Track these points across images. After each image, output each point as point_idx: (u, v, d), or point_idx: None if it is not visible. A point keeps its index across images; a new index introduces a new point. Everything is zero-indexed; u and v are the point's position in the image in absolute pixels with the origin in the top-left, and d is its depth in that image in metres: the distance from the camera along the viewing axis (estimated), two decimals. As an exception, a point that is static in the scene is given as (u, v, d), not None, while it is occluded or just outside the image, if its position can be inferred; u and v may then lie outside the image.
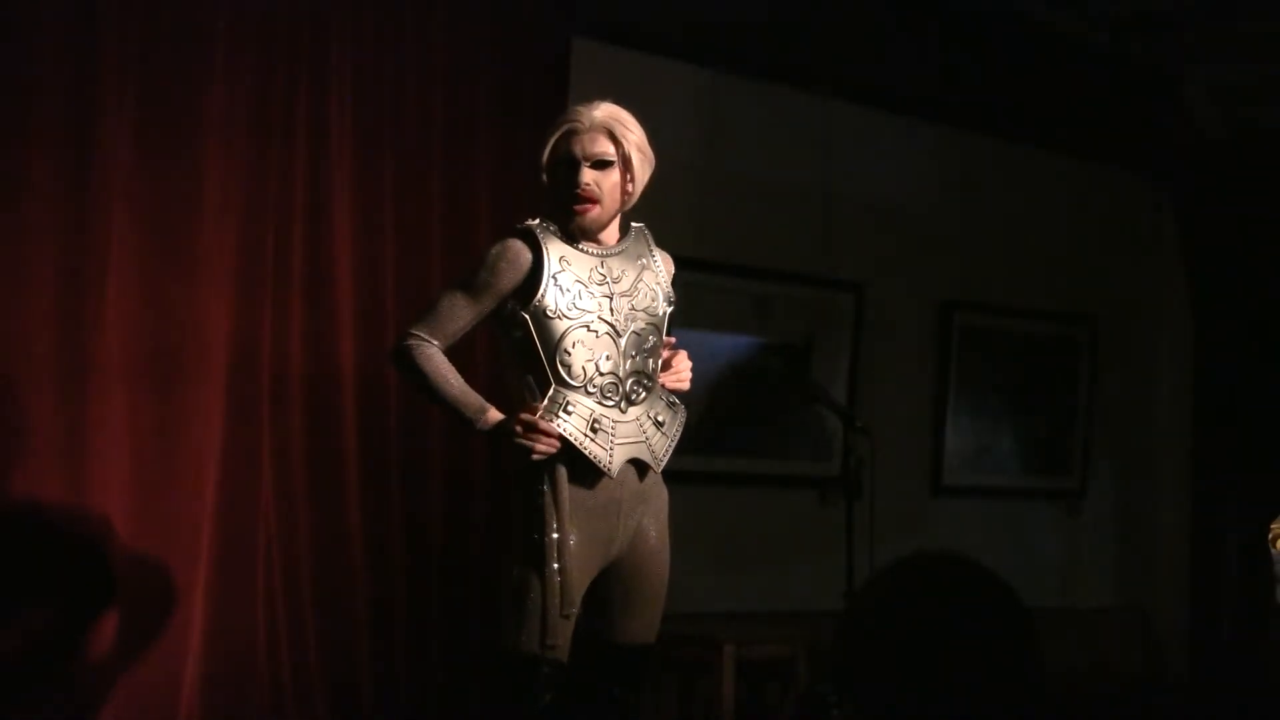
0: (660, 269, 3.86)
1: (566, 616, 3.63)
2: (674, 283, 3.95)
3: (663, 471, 3.87)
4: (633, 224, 3.88)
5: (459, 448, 5.25)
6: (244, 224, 4.89)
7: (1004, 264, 7.25)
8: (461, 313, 3.70)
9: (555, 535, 3.61)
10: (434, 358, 3.67)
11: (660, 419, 3.80)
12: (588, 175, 3.68)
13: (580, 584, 3.68)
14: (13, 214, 4.51)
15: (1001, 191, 7.24)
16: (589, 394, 3.68)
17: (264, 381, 4.92)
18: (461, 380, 3.70)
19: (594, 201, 3.70)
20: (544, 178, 3.75)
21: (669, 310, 3.88)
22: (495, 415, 3.67)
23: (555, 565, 3.61)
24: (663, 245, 3.98)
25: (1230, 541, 7.52)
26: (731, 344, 6.37)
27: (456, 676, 5.17)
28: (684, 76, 6.20)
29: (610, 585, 3.78)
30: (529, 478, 3.67)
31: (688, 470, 6.15)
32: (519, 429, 3.61)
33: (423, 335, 3.69)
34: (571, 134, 3.71)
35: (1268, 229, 7.46)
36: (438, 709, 5.15)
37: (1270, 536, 6.56)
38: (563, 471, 3.65)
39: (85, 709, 4.55)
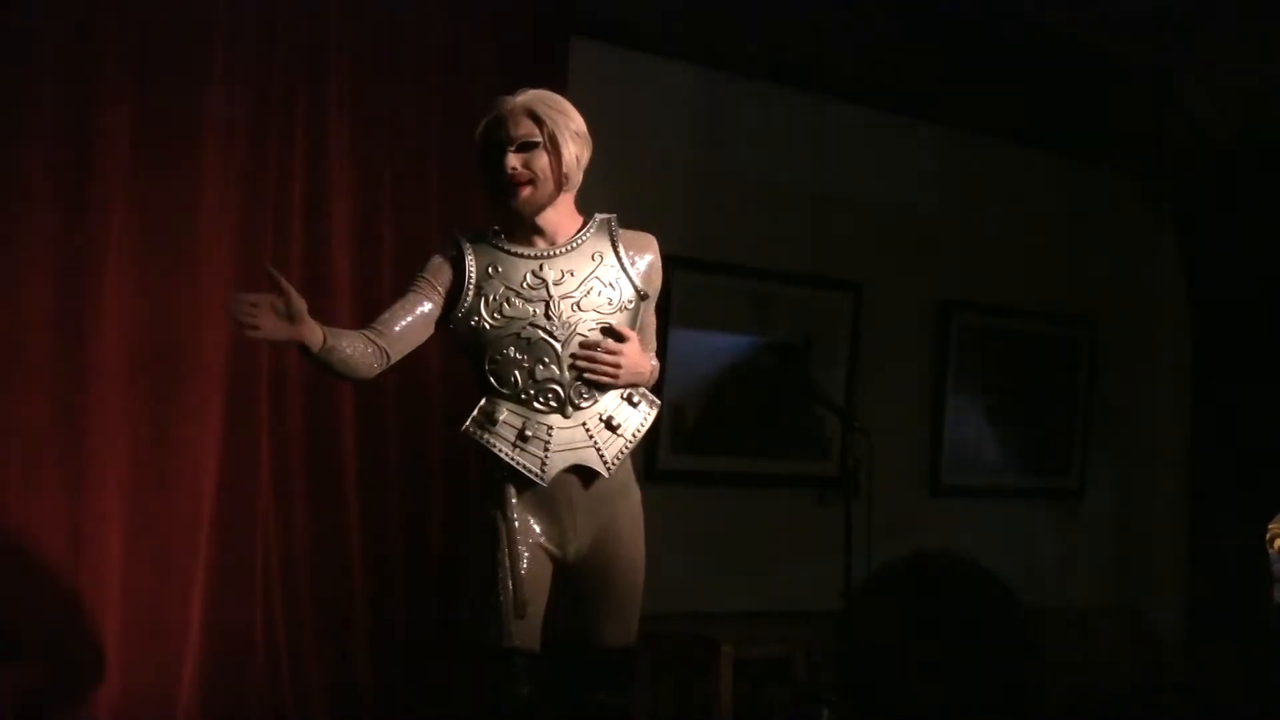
0: (626, 259, 3.72)
1: (521, 617, 3.58)
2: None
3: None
4: (598, 215, 3.76)
5: (457, 448, 5.25)
6: (242, 224, 4.90)
7: (1002, 265, 7.25)
8: (407, 313, 3.64)
9: (505, 539, 3.58)
10: (350, 331, 3.60)
11: (614, 420, 3.69)
12: (513, 159, 3.60)
13: (536, 581, 3.62)
14: (11, 214, 4.52)
15: (1000, 192, 7.24)
16: (521, 401, 3.62)
17: (262, 381, 4.92)
18: (339, 334, 3.55)
19: (524, 184, 3.62)
20: (481, 176, 3.69)
21: (642, 302, 3.75)
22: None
23: (507, 568, 3.56)
24: (660, 244, 3.88)
25: (1228, 541, 7.51)
26: (730, 344, 6.37)
27: (454, 676, 5.16)
28: (682, 76, 6.21)
29: (582, 587, 3.72)
30: (485, 485, 3.65)
31: (686, 470, 6.17)
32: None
33: (374, 329, 3.62)
34: (497, 122, 3.64)
35: (1266, 231, 7.46)
36: (435, 708, 5.15)
37: (1268, 537, 6.56)
38: (508, 481, 3.61)
39: (83, 708, 4.55)
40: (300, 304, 3.43)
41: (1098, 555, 7.69)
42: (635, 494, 3.79)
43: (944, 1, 6.77)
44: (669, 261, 5.91)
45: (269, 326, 3.41)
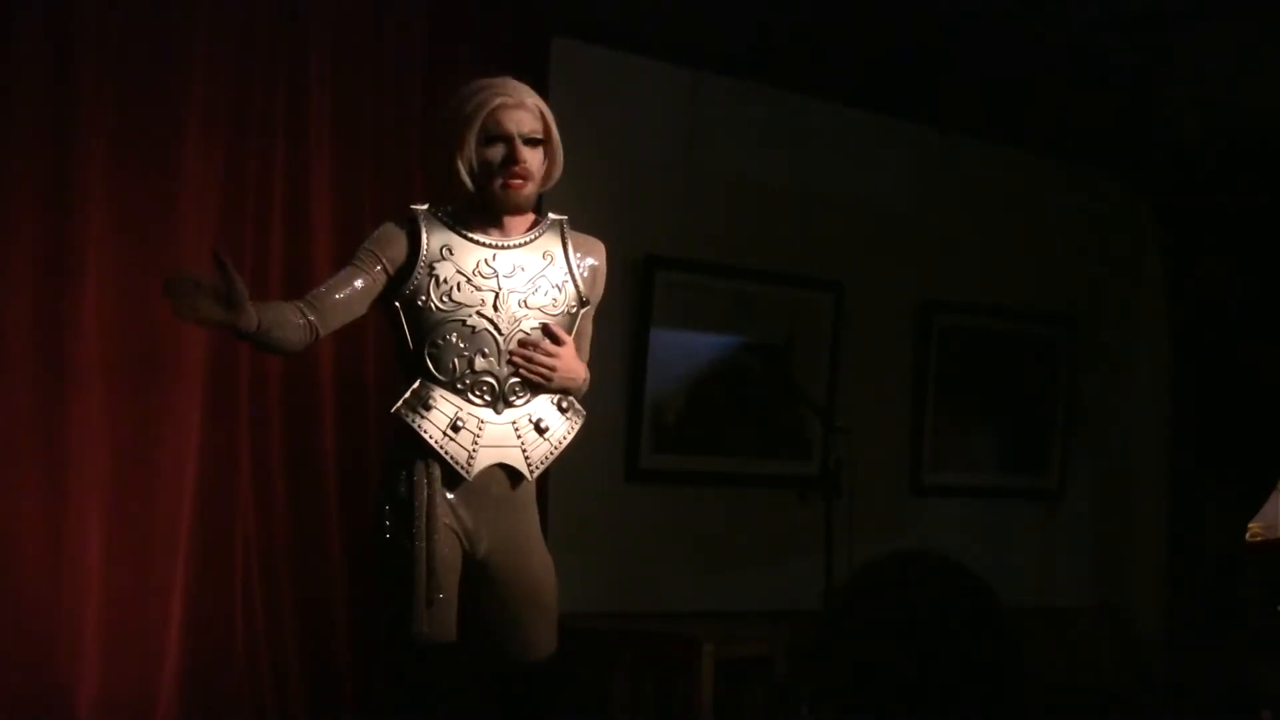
0: (575, 264, 3.68)
1: (431, 603, 3.51)
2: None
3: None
4: (551, 215, 3.72)
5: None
6: (222, 223, 4.89)
7: (983, 264, 7.26)
8: (344, 287, 3.55)
9: (422, 521, 3.50)
10: (284, 306, 3.50)
11: (544, 424, 3.63)
12: (525, 152, 3.57)
13: (450, 568, 3.54)
14: (-10, 213, 4.52)
15: (981, 192, 7.25)
16: (457, 391, 3.55)
17: (242, 380, 4.92)
18: (273, 314, 3.45)
19: (526, 179, 3.58)
20: (458, 152, 3.56)
21: (581, 311, 3.70)
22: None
23: (422, 550, 3.49)
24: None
25: (1208, 540, 7.53)
26: (711, 343, 6.37)
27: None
28: (664, 75, 6.21)
29: (502, 598, 3.63)
30: (399, 467, 3.55)
31: (667, 470, 6.17)
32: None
33: (301, 303, 3.53)
34: (503, 109, 3.57)
35: (1245, 230, 7.48)
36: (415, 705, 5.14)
37: (1248, 535, 6.55)
38: (433, 464, 3.53)
39: (64, 706, 4.53)
40: (242, 291, 3.34)
41: (1077, 554, 7.70)
42: (535, 508, 3.72)
43: (926, 2, 6.78)
44: (651, 261, 5.98)
45: (206, 310, 3.33)
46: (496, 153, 3.56)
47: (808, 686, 4.91)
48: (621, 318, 5.74)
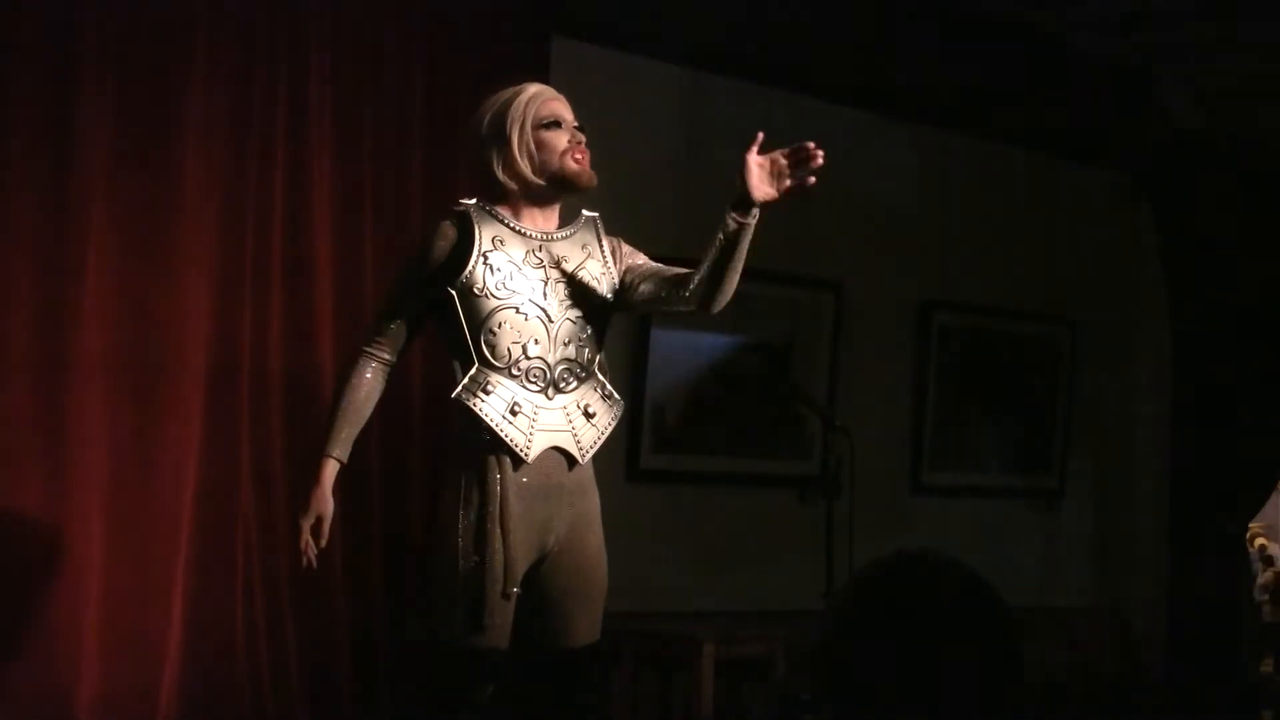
0: (609, 258, 3.78)
1: (506, 597, 3.55)
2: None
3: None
4: (584, 212, 3.82)
5: (438, 448, 5.24)
6: (223, 223, 4.89)
7: (983, 263, 7.26)
8: (404, 305, 3.70)
9: (496, 516, 3.55)
10: (361, 378, 3.67)
11: (591, 409, 3.70)
12: (579, 136, 3.70)
13: (520, 565, 3.59)
14: (-9, 212, 4.51)
15: (981, 191, 7.25)
16: (513, 376, 3.61)
17: (243, 381, 4.91)
18: (359, 410, 3.68)
19: (587, 154, 3.71)
20: (510, 146, 3.66)
21: (615, 299, 3.80)
22: (329, 469, 3.67)
23: (498, 544, 3.53)
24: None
25: (1208, 540, 7.54)
26: (711, 343, 6.36)
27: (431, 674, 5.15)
28: (665, 75, 6.21)
29: (555, 586, 3.68)
30: (470, 458, 3.60)
31: (667, 469, 6.17)
32: (302, 524, 3.67)
33: (375, 344, 3.69)
34: (550, 99, 3.72)
35: (1245, 228, 7.49)
36: (416, 708, 5.14)
37: (1249, 535, 6.55)
38: (503, 458, 3.58)
39: (63, 708, 4.53)
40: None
41: (1078, 554, 7.70)
42: (596, 493, 3.79)
43: (926, 2, 6.78)
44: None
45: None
46: (558, 135, 3.68)
47: (808, 687, 4.91)
48: (622, 317, 5.72)
